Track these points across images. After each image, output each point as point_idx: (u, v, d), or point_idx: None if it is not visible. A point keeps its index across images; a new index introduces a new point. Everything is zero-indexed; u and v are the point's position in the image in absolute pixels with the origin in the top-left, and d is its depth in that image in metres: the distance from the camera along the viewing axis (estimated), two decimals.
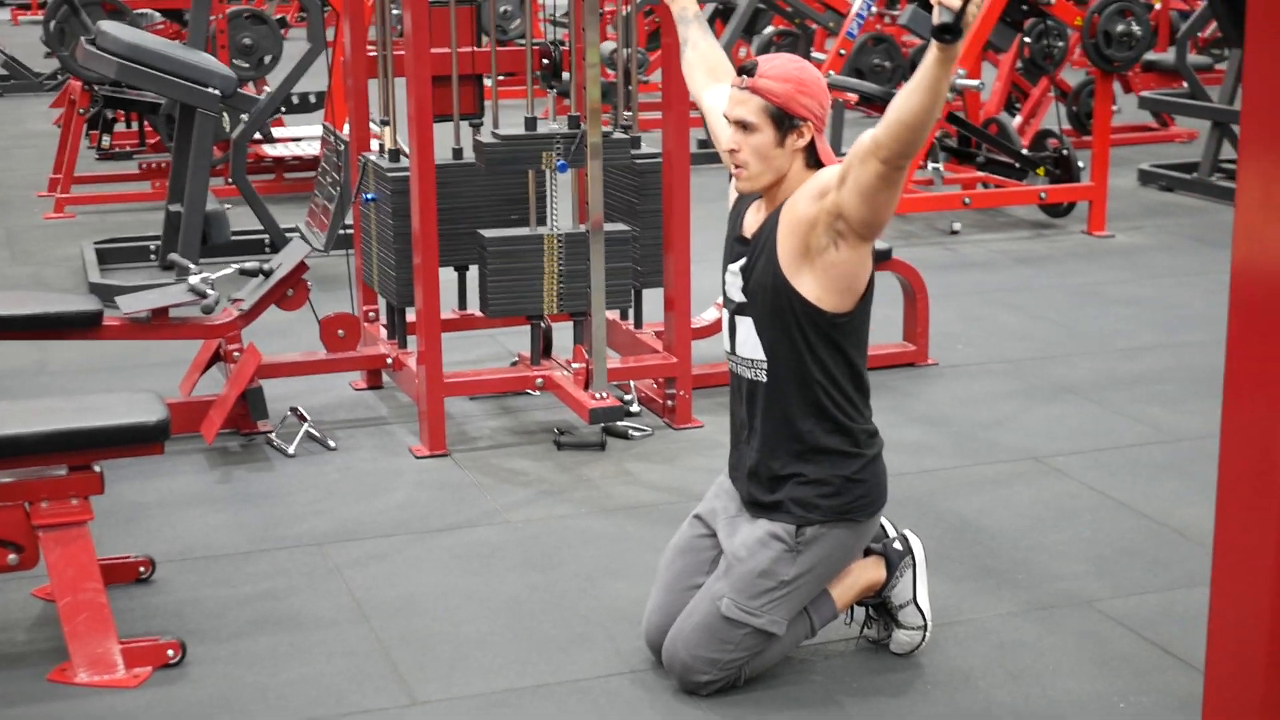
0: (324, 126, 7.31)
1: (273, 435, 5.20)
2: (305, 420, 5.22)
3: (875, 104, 8.49)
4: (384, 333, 5.68)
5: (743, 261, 3.53)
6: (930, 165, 8.39)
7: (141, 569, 4.19)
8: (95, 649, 3.68)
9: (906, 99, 3.09)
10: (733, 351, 3.58)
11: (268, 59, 10.18)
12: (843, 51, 8.92)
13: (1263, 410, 2.00)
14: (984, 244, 7.95)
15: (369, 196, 5.41)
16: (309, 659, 3.76)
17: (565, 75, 5.67)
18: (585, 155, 4.96)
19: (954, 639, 3.80)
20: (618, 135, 5.24)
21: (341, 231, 6.89)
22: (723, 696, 3.52)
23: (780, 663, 3.61)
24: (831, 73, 8.78)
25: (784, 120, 3.41)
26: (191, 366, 5.45)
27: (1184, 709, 3.47)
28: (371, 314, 5.79)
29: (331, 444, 5.17)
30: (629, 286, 5.28)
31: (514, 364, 5.78)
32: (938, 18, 2.91)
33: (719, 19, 12.60)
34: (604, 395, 4.93)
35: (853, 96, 8.66)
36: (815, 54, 10.61)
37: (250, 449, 5.18)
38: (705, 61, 3.99)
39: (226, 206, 7.43)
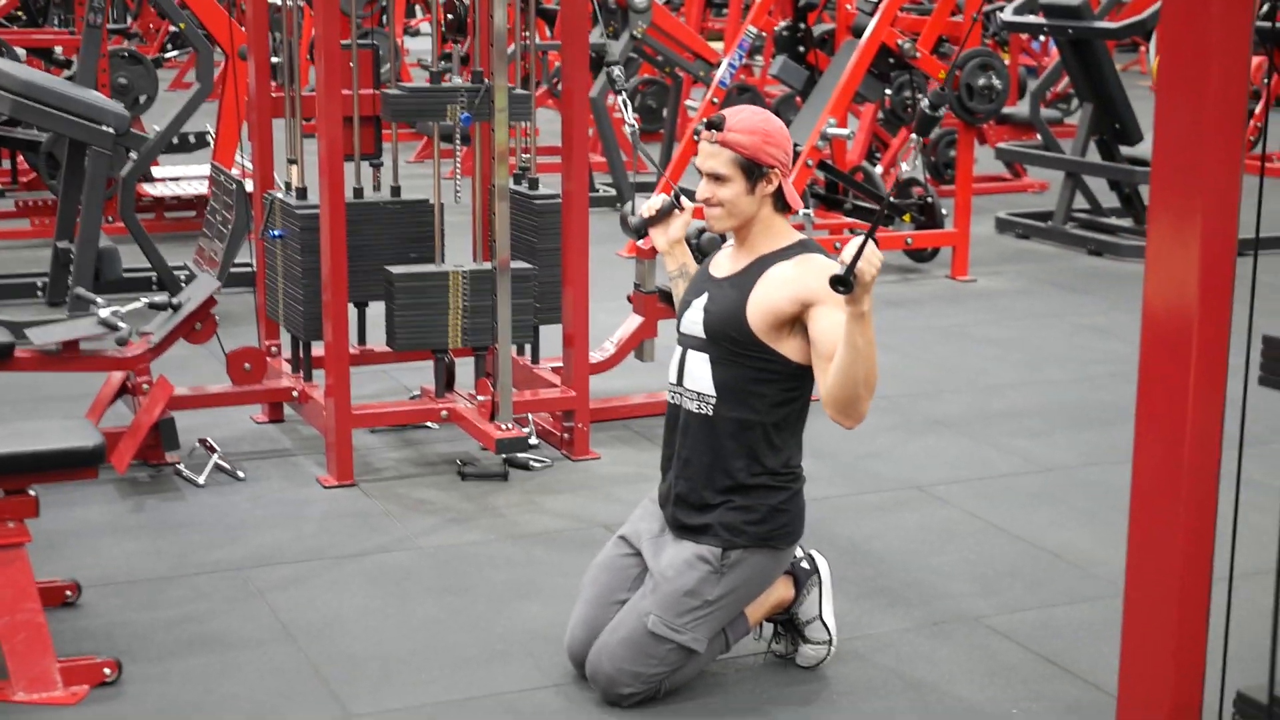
0: (213, 166, 7.43)
1: (181, 466, 5.31)
2: (215, 451, 5.34)
3: None
4: (286, 367, 5.81)
5: (707, 298, 3.75)
6: (801, 212, 8.68)
7: (68, 593, 4.29)
8: (34, 667, 3.77)
9: (834, 369, 3.47)
10: (678, 383, 3.80)
11: (143, 98, 10.26)
12: (715, 99, 9.21)
13: (1170, 436, 2.24)
14: None
15: (275, 233, 5.55)
16: (241, 677, 3.90)
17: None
18: (489, 109, 5.05)
19: (854, 653, 4.04)
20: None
21: (232, 269, 7.03)
22: (644, 708, 3.72)
23: (696, 676, 3.83)
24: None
25: (753, 170, 3.65)
26: (97, 399, 5.53)
27: (1071, 713, 3.74)
28: (273, 348, 5.91)
29: (240, 474, 5.30)
30: (530, 322, 5.48)
31: (414, 397, 5.95)
32: (838, 268, 3.25)
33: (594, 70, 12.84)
34: (510, 426, 5.12)
35: None
36: (687, 102, 10.90)
37: (160, 479, 5.29)
38: None
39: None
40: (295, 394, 5.58)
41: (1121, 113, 9.68)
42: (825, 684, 3.89)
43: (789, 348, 3.67)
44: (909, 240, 8.60)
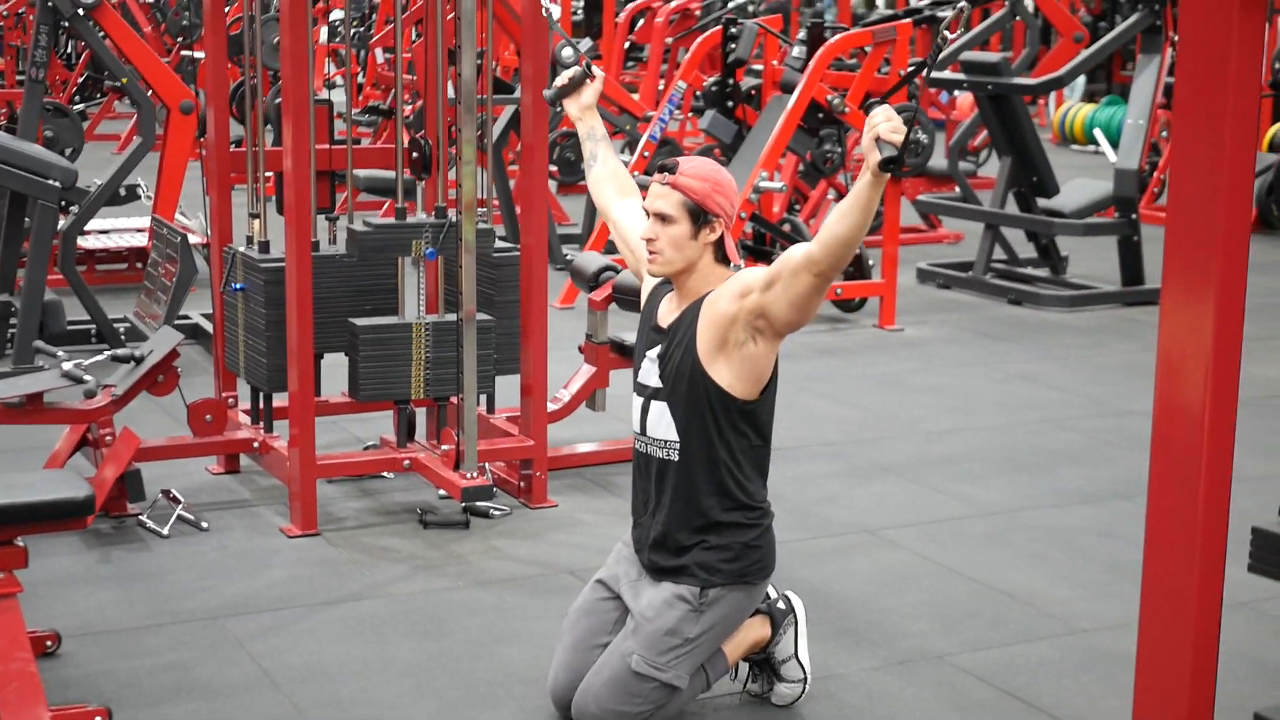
0: (154, 219, 7.49)
1: (143, 517, 5.36)
2: (179, 502, 5.39)
3: None
4: (244, 418, 5.87)
5: (659, 349, 3.89)
6: (732, 265, 8.86)
7: (49, 643, 4.33)
8: (26, 717, 3.82)
9: (841, 219, 3.52)
10: (643, 433, 3.93)
11: (69, 151, 10.27)
12: (646, 154, 9.38)
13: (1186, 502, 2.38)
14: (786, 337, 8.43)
15: (237, 286, 5.62)
16: None
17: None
18: (455, 244, 5.23)
19: (825, 692, 4.17)
20: (481, 226, 5.57)
21: (177, 321, 7.07)
22: None
23: (677, 715, 3.95)
24: (637, 173, 9.23)
25: (699, 215, 3.79)
26: (56, 452, 5.56)
27: None
28: (230, 400, 5.97)
29: (204, 525, 5.35)
30: (490, 373, 5.59)
31: (370, 447, 6.03)
32: (882, 153, 3.38)
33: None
34: (474, 475, 5.22)
35: None
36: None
37: (123, 530, 5.33)
38: (614, 178, 4.34)
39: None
40: (256, 445, 5.65)
41: (1039, 165, 9.96)
42: None
43: (727, 373, 3.78)
44: (839, 290, 8.79)
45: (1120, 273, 9.86)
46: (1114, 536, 5.46)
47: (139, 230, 9.91)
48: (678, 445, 3.85)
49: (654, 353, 3.92)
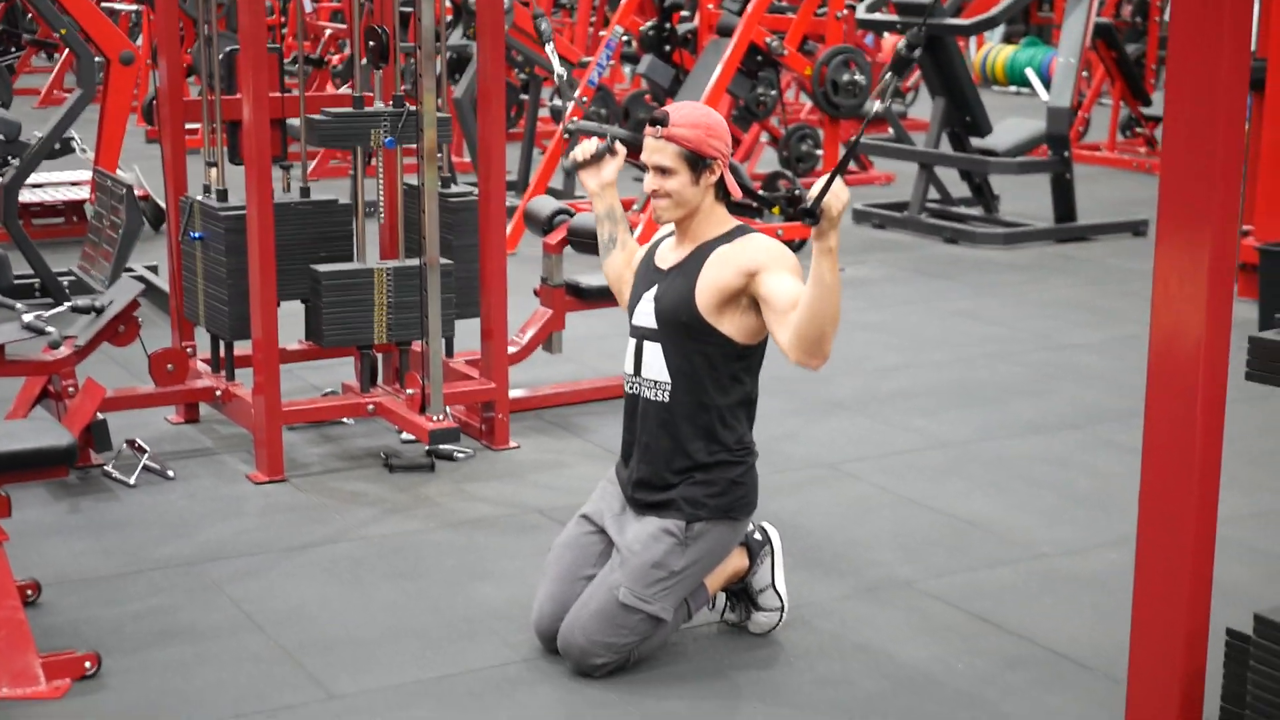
0: (97, 171, 7.45)
1: (109, 467, 5.37)
2: (144, 451, 5.40)
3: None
4: (204, 367, 5.88)
5: (656, 290, 3.96)
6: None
7: (29, 592, 4.35)
8: (16, 663, 3.84)
9: (803, 306, 3.65)
10: (635, 373, 4.00)
11: None
12: (584, 99, 9.41)
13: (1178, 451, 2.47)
14: None
15: (195, 235, 5.62)
16: (219, 665, 4.01)
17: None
18: (412, 132, 5.25)
19: (800, 620, 4.27)
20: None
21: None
22: (615, 677, 3.92)
23: (661, 645, 4.03)
24: (575, 119, 9.26)
25: (697, 162, 3.86)
26: (17, 403, 5.55)
27: (1013, 667, 4.02)
28: (189, 349, 5.98)
29: (170, 473, 5.37)
30: (451, 317, 5.63)
31: (328, 393, 6.06)
32: (801, 205, 3.52)
33: (454, 71, 12.96)
34: (440, 418, 5.27)
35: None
36: (555, 103, 11.04)
37: (89, 481, 5.34)
38: (629, 257, 4.30)
39: None
40: (218, 394, 5.66)
41: (972, 106, 10.09)
42: (779, 648, 4.12)
43: (731, 326, 3.88)
44: (780, 232, 8.86)
45: (1053, 210, 10.02)
46: (1067, 465, 5.60)
47: (74, 184, 9.84)
48: (669, 387, 3.93)
49: (650, 293, 3.98)
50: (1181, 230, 2.43)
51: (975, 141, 10.14)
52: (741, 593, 4.20)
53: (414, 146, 5.38)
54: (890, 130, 11.23)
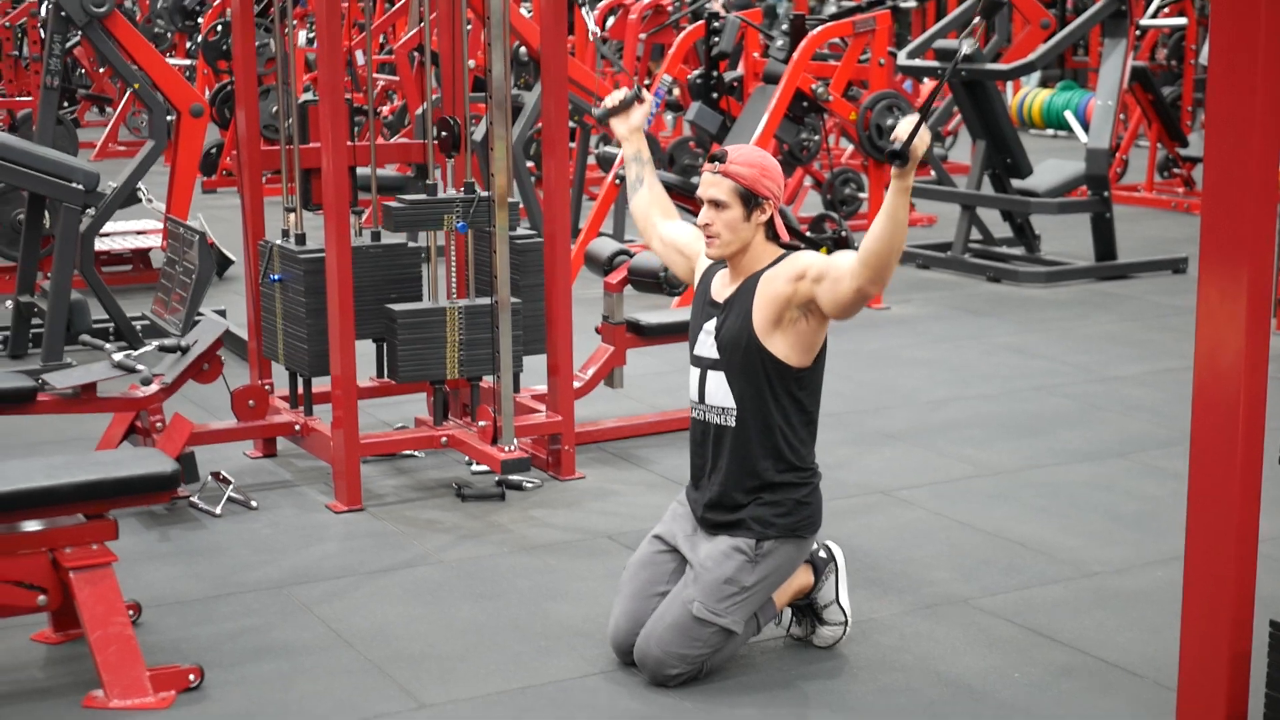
0: (169, 219, 7.73)
1: (195, 498, 5.62)
2: (229, 483, 5.66)
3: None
4: (281, 404, 6.14)
5: (714, 322, 4.20)
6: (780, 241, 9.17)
7: (131, 612, 4.58)
8: (126, 676, 4.09)
9: (874, 232, 3.85)
10: (700, 401, 4.24)
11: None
12: None
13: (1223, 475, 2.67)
14: None
15: (275, 277, 5.89)
16: (313, 678, 4.25)
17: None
18: (490, 216, 5.55)
19: (861, 635, 4.49)
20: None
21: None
22: (688, 687, 4.13)
23: (731, 658, 4.25)
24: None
25: (750, 199, 4.11)
26: (106, 437, 5.82)
27: (1065, 675, 4.22)
28: (267, 386, 6.24)
29: (254, 504, 5.62)
30: (519, 353, 5.88)
31: (398, 428, 6.31)
32: (888, 149, 3.72)
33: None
34: (512, 449, 5.52)
35: None
36: (604, 149, 11.32)
37: (176, 511, 5.59)
38: (659, 202, 4.59)
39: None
40: (297, 428, 5.92)
41: (1012, 148, 10.32)
42: (844, 661, 4.33)
43: (784, 345, 4.11)
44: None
45: (1094, 248, 10.23)
46: (1113, 490, 5.80)
47: (139, 232, 10.15)
48: (734, 412, 4.16)
49: (710, 325, 4.22)
50: (1222, 264, 2.65)
51: (1016, 183, 10.36)
52: (807, 608, 4.41)
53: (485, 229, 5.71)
54: (932, 173, 11.46)
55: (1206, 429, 2.64)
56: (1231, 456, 2.60)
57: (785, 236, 4.20)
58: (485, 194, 5.75)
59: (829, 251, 8.94)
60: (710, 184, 4.14)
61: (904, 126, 3.72)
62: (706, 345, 4.23)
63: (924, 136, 3.72)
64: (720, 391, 4.19)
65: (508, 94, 5.51)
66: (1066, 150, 14.62)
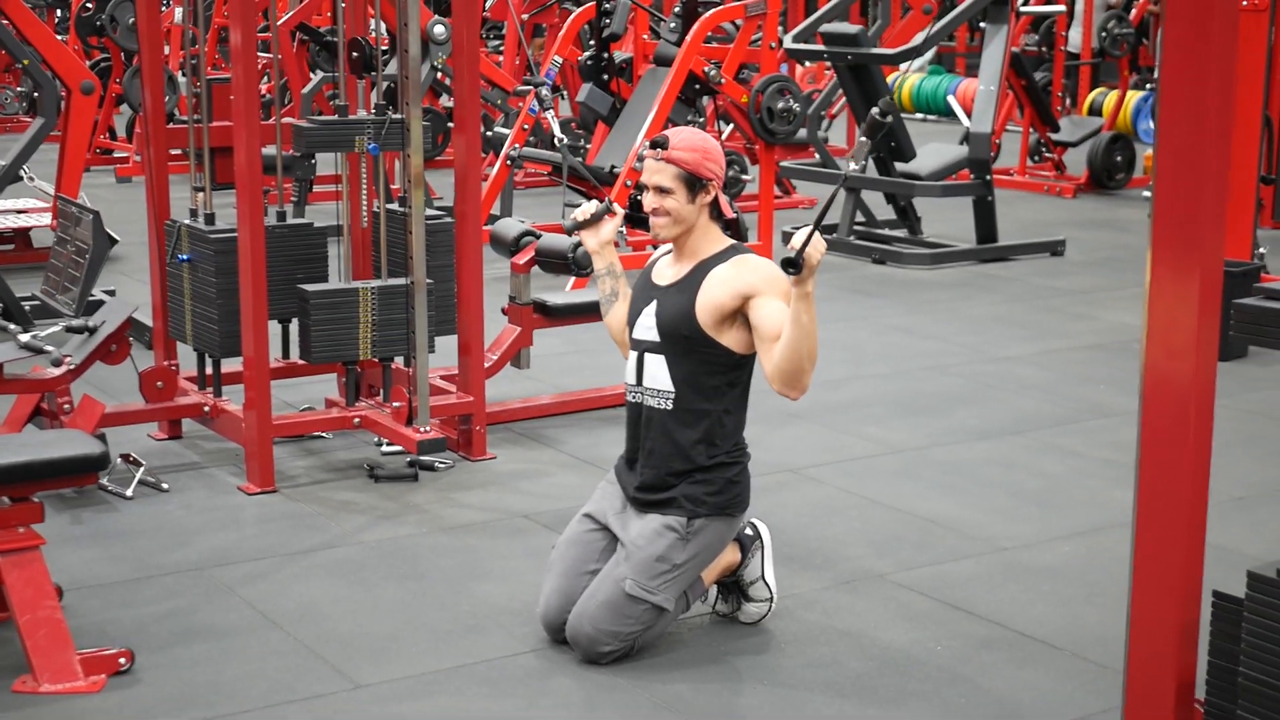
0: (60, 198, 7.63)
1: (104, 480, 5.56)
2: (140, 465, 5.61)
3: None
4: (188, 385, 6.09)
5: (656, 305, 4.25)
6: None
7: None
8: (56, 660, 4.06)
9: (783, 342, 3.99)
10: (638, 384, 4.29)
11: None
12: (525, 126, 9.70)
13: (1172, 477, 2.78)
14: None
15: (183, 258, 5.84)
16: (244, 659, 4.24)
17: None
18: (397, 139, 5.61)
19: (784, 611, 4.57)
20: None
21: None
22: (621, 664, 4.19)
23: (661, 635, 4.31)
24: (517, 145, 9.56)
25: (694, 182, 4.17)
26: (9, 420, 5.74)
27: (986, 648, 4.35)
28: (173, 367, 6.18)
29: (165, 486, 5.58)
30: (431, 334, 5.88)
31: (304, 409, 6.29)
32: (785, 255, 3.84)
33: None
34: (428, 429, 5.53)
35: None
36: (497, 128, 11.32)
37: (85, 494, 5.53)
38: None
39: None
40: (207, 409, 5.88)
41: (896, 132, 10.48)
42: (770, 636, 4.42)
43: (730, 339, 4.20)
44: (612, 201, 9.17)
45: (975, 231, 10.43)
46: (1013, 467, 5.95)
47: (19, 211, 9.96)
48: (671, 395, 4.23)
49: (651, 309, 4.28)
50: (1176, 244, 2.75)
51: (899, 166, 10.52)
52: (733, 585, 4.49)
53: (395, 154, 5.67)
54: (815, 155, 11.59)
55: (1159, 404, 2.75)
56: (1184, 434, 2.71)
57: (729, 214, 4.27)
58: (397, 116, 5.71)
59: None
60: (654, 170, 4.19)
61: (799, 236, 3.81)
62: (647, 328, 4.28)
63: (818, 245, 3.81)
64: (659, 375, 4.25)
65: (420, 74, 5.51)
66: (937, 134, 14.84)
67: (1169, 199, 2.70)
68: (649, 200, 4.25)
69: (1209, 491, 2.86)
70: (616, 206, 4.60)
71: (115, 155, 14.13)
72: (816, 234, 3.83)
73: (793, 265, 3.83)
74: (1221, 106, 2.65)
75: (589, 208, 4.57)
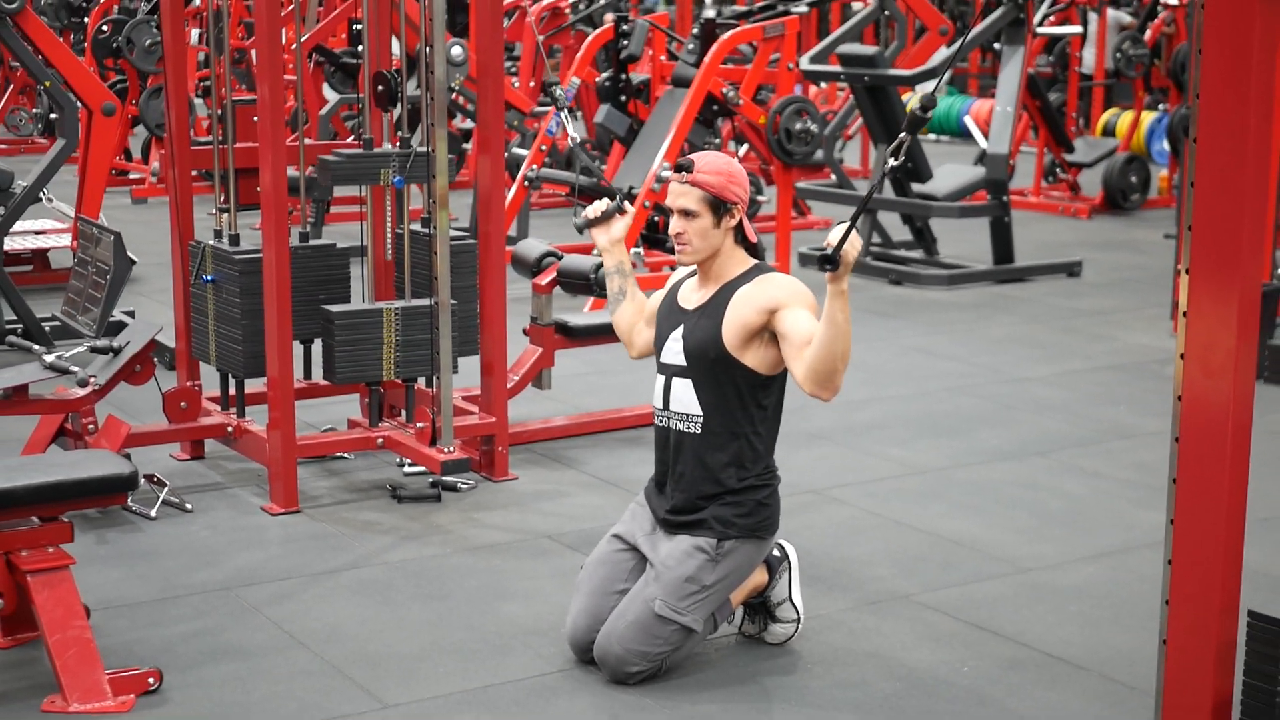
0: (81, 219, 7.64)
1: (129, 501, 5.56)
2: (164, 485, 5.62)
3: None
4: (210, 406, 6.10)
5: (683, 329, 4.26)
6: (632, 251, 9.25)
7: None
8: (85, 680, 4.06)
9: (817, 340, 3.98)
10: (665, 407, 4.30)
11: None
12: (543, 147, 9.72)
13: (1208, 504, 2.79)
14: None
15: (208, 278, 5.85)
16: (272, 679, 4.25)
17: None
18: (421, 171, 5.62)
19: (810, 632, 4.57)
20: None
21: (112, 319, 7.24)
22: (649, 684, 4.19)
23: (689, 656, 4.31)
24: (535, 166, 9.58)
25: (719, 206, 4.18)
26: (33, 440, 5.75)
27: (1014, 669, 4.34)
28: (196, 387, 6.19)
29: (189, 506, 5.59)
30: (454, 355, 5.89)
31: (326, 430, 6.30)
32: (821, 251, 3.82)
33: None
34: (451, 449, 5.53)
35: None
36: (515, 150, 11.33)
37: (110, 515, 5.54)
38: (641, 312, 4.60)
39: None
40: (230, 429, 5.89)
41: (913, 152, 10.49)
42: (798, 657, 4.41)
43: (754, 359, 4.20)
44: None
45: (992, 252, 10.44)
46: (1037, 488, 5.95)
47: (38, 232, 9.98)
48: (700, 419, 4.23)
49: (678, 333, 4.29)
50: (1214, 268, 2.75)
51: (916, 187, 10.53)
52: (760, 606, 4.49)
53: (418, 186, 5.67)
54: (831, 176, 11.61)
55: (1196, 423, 2.75)
56: (1222, 453, 2.71)
57: (753, 238, 4.28)
58: (422, 149, 5.73)
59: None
60: (679, 194, 4.20)
61: (835, 233, 3.81)
62: (674, 353, 4.29)
63: (855, 242, 3.81)
64: (686, 399, 4.26)
65: (445, 96, 5.53)
66: (951, 155, 14.86)
67: (1207, 219, 2.71)
68: (674, 225, 4.26)
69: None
70: (627, 205, 4.64)
71: (131, 176, 14.16)
72: (854, 231, 3.82)
73: (829, 262, 3.82)
74: (1261, 127, 2.66)
75: (600, 205, 4.62)
